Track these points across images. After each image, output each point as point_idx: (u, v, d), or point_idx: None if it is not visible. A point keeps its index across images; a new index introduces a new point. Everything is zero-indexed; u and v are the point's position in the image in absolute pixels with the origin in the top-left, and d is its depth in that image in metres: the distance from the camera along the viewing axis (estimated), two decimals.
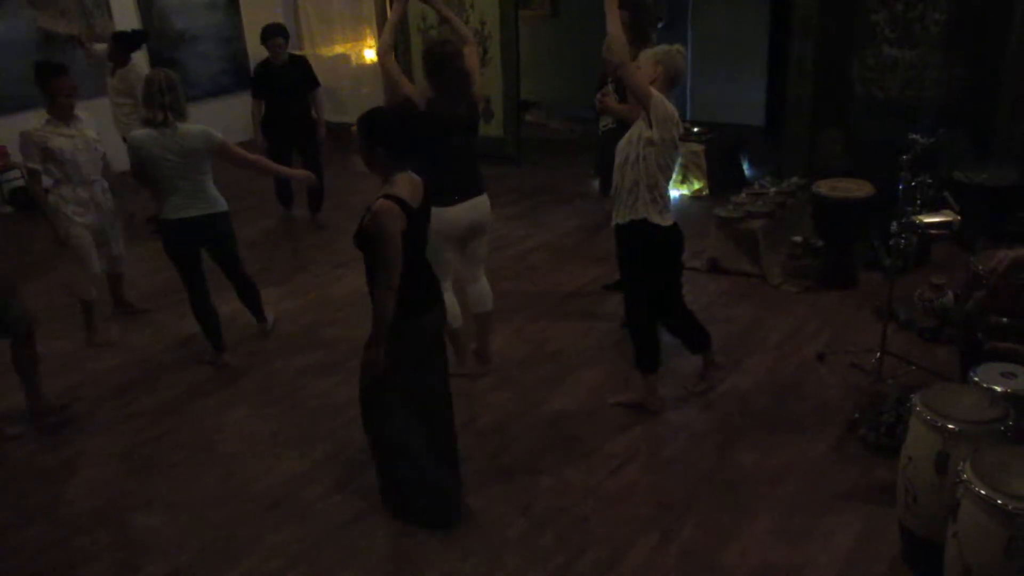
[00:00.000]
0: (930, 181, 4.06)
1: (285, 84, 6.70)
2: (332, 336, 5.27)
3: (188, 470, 3.99)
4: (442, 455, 3.57)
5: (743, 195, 6.08)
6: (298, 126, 6.81)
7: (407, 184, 3.21)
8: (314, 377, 4.80)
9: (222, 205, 4.73)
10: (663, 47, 3.86)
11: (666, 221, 3.89)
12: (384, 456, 3.48)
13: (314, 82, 6.99)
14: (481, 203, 4.32)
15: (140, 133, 4.49)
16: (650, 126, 3.72)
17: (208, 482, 3.89)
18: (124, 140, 6.82)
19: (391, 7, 8.79)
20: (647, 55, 3.86)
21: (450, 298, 4.45)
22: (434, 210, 4.17)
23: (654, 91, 3.72)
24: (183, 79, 4.73)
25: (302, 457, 4.04)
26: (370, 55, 9.31)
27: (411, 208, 3.15)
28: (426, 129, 4.07)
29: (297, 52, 9.46)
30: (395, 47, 4.29)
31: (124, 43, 6.72)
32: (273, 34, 6.73)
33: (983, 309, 3.56)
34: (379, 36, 8.94)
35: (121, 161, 7.15)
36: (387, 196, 3.11)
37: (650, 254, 3.97)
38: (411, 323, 3.26)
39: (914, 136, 4.08)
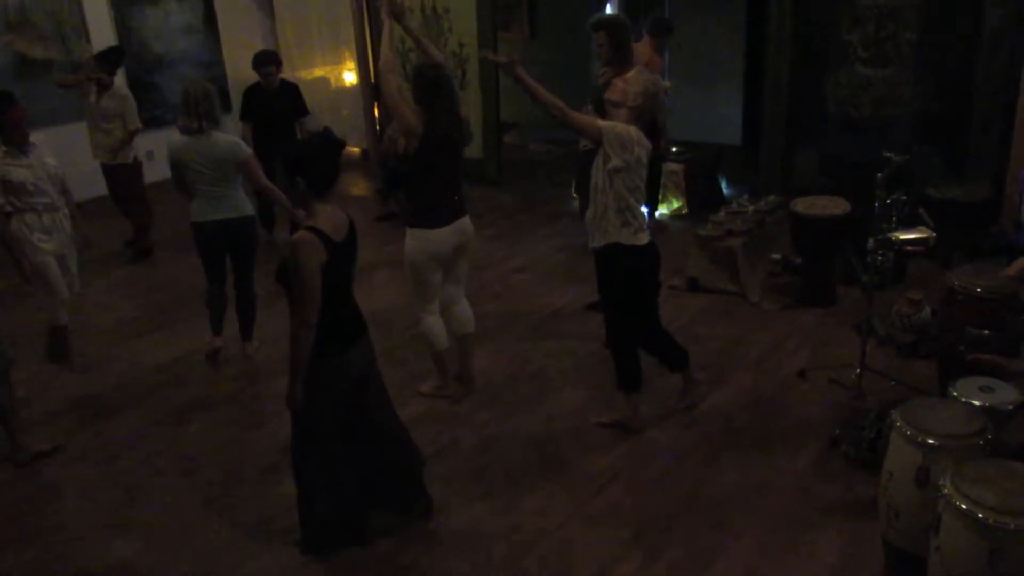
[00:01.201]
0: (905, 198, 4.11)
1: (275, 110, 6.73)
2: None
3: (169, 496, 3.95)
4: (370, 490, 3.49)
5: (722, 214, 6.13)
6: (285, 151, 6.81)
7: (329, 217, 3.13)
8: None
9: (246, 210, 4.97)
10: (654, 82, 3.90)
11: (640, 240, 3.92)
12: (305, 490, 3.37)
13: (303, 109, 7.07)
14: (466, 224, 4.35)
15: (177, 140, 4.78)
16: (610, 157, 3.78)
17: (189, 509, 3.85)
18: (107, 167, 6.82)
19: (370, 30, 8.85)
20: (640, 79, 3.87)
21: (436, 320, 4.46)
22: (423, 232, 4.22)
23: (601, 123, 3.82)
24: (161, 103, 4.77)
25: (284, 483, 3.99)
26: (350, 78, 9.33)
27: (333, 241, 3.07)
28: (428, 152, 4.09)
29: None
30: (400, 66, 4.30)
31: (109, 61, 6.71)
32: (266, 62, 6.78)
33: (961, 322, 3.61)
34: (358, 59, 8.98)
35: (91, 188, 7.16)
36: (308, 228, 3.05)
37: (627, 275, 3.99)
38: (331, 362, 3.16)
39: (888, 154, 4.14)
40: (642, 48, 6.66)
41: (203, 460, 4.22)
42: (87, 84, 6.61)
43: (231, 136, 4.97)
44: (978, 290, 3.93)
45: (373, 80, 9.10)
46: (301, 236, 3.02)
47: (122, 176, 6.86)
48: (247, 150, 4.90)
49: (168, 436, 4.46)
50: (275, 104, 6.77)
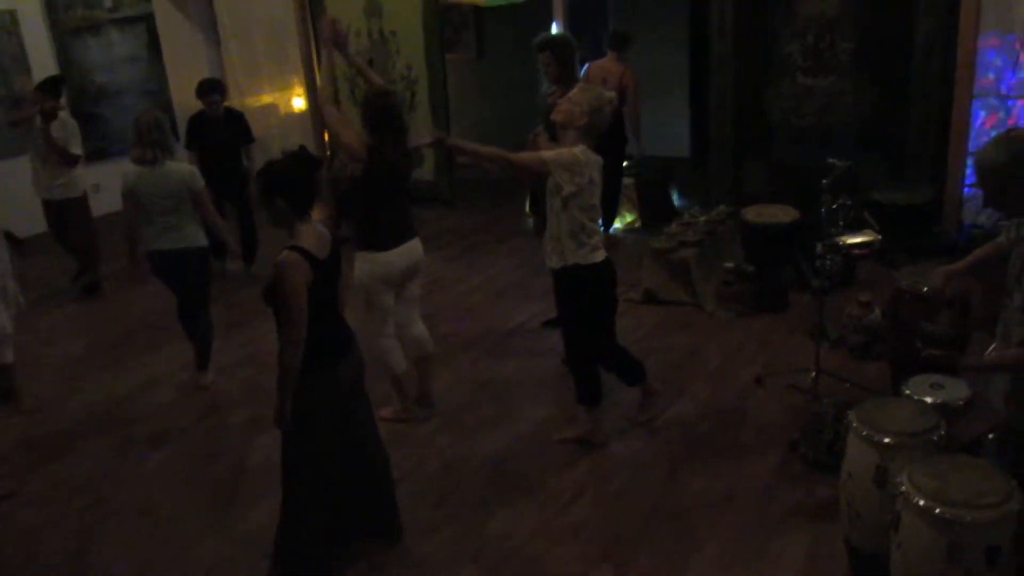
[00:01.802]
0: (850, 203, 4.20)
1: (220, 138, 6.67)
2: (269, 389, 5.13)
3: (127, 536, 3.85)
4: (362, 501, 3.50)
5: (674, 226, 6.20)
6: (231, 179, 6.74)
7: (312, 235, 3.13)
8: (255, 432, 4.69)
9: (197, 242, 4.96)
10: (597, 93, 3.91)
11: (596, 258, 3.94)
12: (294, 511, 3.32)
13: (249, 137, 7.04)
14: (416, 246, 4.35)
15: (131, 170, 4.80)
16: (562, 186, 3.79)
17: (145, 549, 3.75)
18: (53, 202, 6.61)
19: (317, 55, 8.82)
20: (583, 98, 3.86)
21: (393, 343, 4.44)
22: (373, 255, 4.21)
23: (546, 156, 3.83)
24: (105, 134, 4.75)
25: (244, 518, 3.93)
26: (299, 104, 9.28)
27: (317, 259, 3.08)
28: (375, 177, 4.09)
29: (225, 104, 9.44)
30: (335, 95, 4.28)
31: (53, 90, 6.48)
32: (210, 91, 6.73)
33: (915, 323, 3.69)
34: (306, 85, 8.95)
35: (30, 225, 6.99)
36: (292, 248, 3.05)
37: (583, 293, 4.02)
38: (325, 375, 3.19)
39: (832, 160, 4.23)
40: (608, 64, 6.75)
41: (159, 497, 4.13)
42: (35, 116, 6.46)
43: (186, 165, 5.04)
44: (924, 290, 4.02)
45: None
46: (287, 257, 3.01)
47: (70, 210, 6.66)
48: (201, 181, 4.92)
49: (122, 474, 4.36)
50: (220, 132, 6.72)
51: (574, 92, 3.93)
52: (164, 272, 5.00)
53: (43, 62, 8.44)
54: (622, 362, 4.34)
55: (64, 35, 8.70)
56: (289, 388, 3.09)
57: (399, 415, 4.63)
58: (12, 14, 8.25)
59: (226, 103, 9.56)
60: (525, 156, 3.99)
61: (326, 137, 9.18)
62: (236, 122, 6.97)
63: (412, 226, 4.34)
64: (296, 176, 3.13)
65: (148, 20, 9.40)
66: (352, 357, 3.36)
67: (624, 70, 6.70)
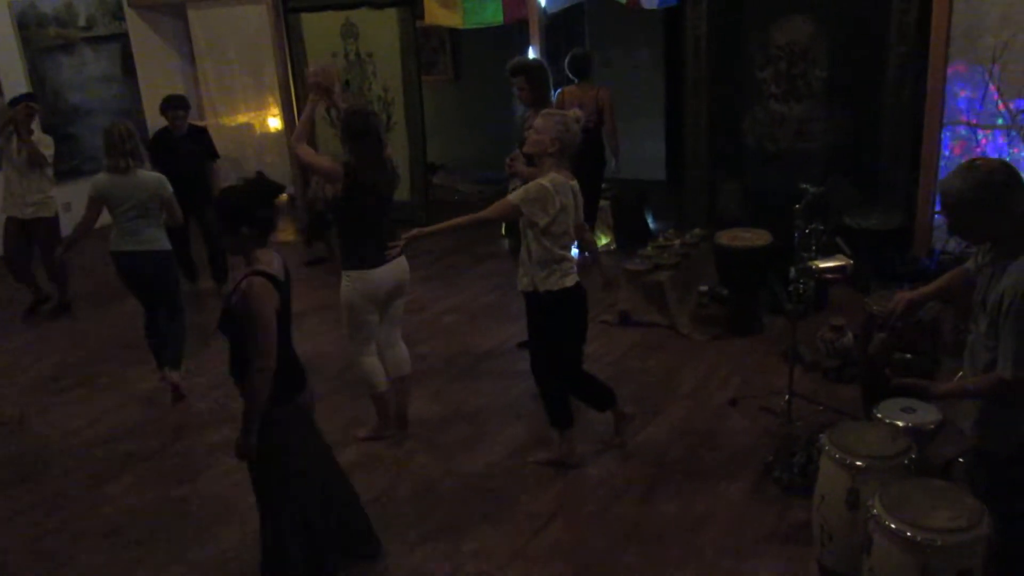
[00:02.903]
0: (823, 228, 4.25)
1: (184, 154, 6.60)
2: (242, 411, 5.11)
3: (94, 560, 3.78)
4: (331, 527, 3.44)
5: (649, 248, 6.24)
6: (196, 196, 6.63)
7: (270, 258, 3.08)
8: (227, 452, 4.62)
9: (160, 245, 5.09)
10: (560, 117, 3.92)
11: (565, 284, 3.94)
12: (277, 539, 3.26)
13: (213, 153, 7.00)
14: (401, 264, 4.33)
15: (103, 178, 4.95)
16: (535, 221, 3.80)
17: (115, 572, 3.69)
18: (23, 221, 6.46)
19: (293, 76, 8.83)
20: (548, 125, 3.87)
21: (376, 362, 4.42)
22: (359, 273, 4.21)
23: (513, 199, 3.83)
24: (78, 153, 4.76)
25: (216, 540, 3.88)
26: (274, 123, 9.27)
27: (280, 282, 3.05)
28: (355, 196, 4.09)
29: (199, 123, 9.39)
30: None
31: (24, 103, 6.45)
32: (173, 107, 6.67)
33: (886, 348, 3.73)
34: (282, 104, 8.93)
35: None
36: (256, 273, 2.98)
37: (550, 318, 4.02)
38: (291, 406, 3.15)
39: (805, 186, 4.28)
40: (580, 90, 6.78)
41: (126, 521, 4.06)
42: (8, 129, 6.35)
43: (156, 174, 5.15)
44: (874, 309, 4.07)
45: None
46: (254, 282, 2.95)
47: (43, 230, 6.53)
48: (170, 188, 5.10)
49: (91, 498, 4.29)
50: (183, 148, 6.64)
51: (538, 121, 3.93)
52: (128, 273, 5.08)
53: (15, 81, 8.37)
54: (589, 389, 4.35)
55: (37, 54, 8.64)
56: (256, 422, 3.02)
57: (377, 433, 4.61)
58: None
59: (203, 123, 9.56)
60: (495, 208, 3.94)
61: None
62: (199, 138, 6.91)
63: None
64: (260, 203, 3.08)
65: (122, 39, 9.37)
66: (309, 384, 3.32)
67: (599, 91, 6.76)
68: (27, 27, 8.54)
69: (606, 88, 6.95)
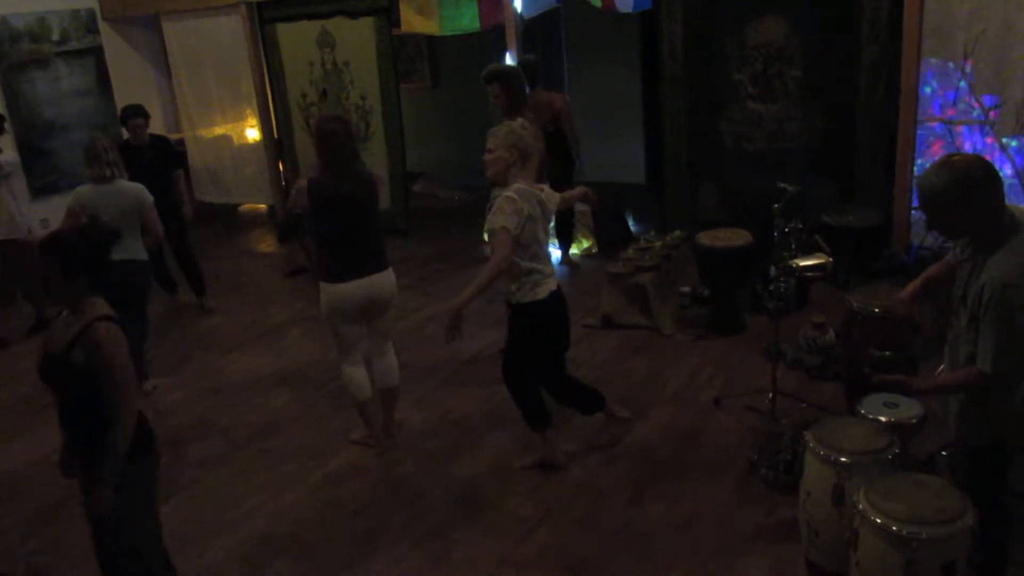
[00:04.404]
0: (801, 226, 4.28)
1: (147, 164, 6.40)
2: (227, 424, 5.09)
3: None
4: None
5: (631, 250, 6.24)
6: (162, 206, 6.46)
7: (102, 302, 2.86)
8: (211, 466, 4.61)
9: (137, 255, 5.17)
10: (506, 129, 3.92)
11: (538, 295, 3.91)
12: None
13: (176, 162, 6.95)
14: (379, 280, 4.27)
15: (86, 188, 5.09)
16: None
17: None
18: None
19: (270, 86, 8.80)
20: (498, 141, 3.86)
21: (356, 371, 4.41)
22: (329, 286, 4.20)
23: (498, 225, 3.74)
24: (54, 169, 4.74)
25: (200, 555, 3.85)
26: (252, 134, 9.23)
27: (123, 328, 2.86)
28: (320, 207, 4.09)
29: (176, 135, 9.34)
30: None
31: None
32: (133, 115, 6.60)
33: (865, 344, 3.77)
34: (260, 115, 8.90)
35: None
36: (101, 318, 2.77)
37: (525, 329, 4.03)
38: (149, 460, 2.96)
39: (783, 185, 4.31)
40: (539, 96, 6.77)
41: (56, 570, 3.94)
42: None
43: (136, 184, 5.23)
44: (876, 310, 4.10)
45: (276, 136, 9.03)
46: (105, 328, 2.75)
47: (14, 252, 6.33)
48: (151, 197, 5.22)
49: (72, 514, 4.23)
50: (145, 157, 6.46)
51: (489, 143, 3.90)
52: (108, 282, 5.03)
53: None
54: (573, 394, 4.36)
55: (10, 69, 8.54)
56: (118, 474, 2.79)
57: (364, 440, 4.63)
58: None
59: (179, 135, 9.51)
60: (500, 248, 3.77)
61: (281, 168, 9.14)
62: (162, 147, 6.81)
63: (378, 259, 4.27)
64: (100, 251, 2.90)
65: (96, 53, 9.28)
66: (156, 443, 3.08)
67: (552, 96, 6.78)
68: (0, 42, 8.45)
69: (560, 94, 6.98)
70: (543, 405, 4.20)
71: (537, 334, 4.04)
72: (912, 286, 3.16)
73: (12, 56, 8.55)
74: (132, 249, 5.11)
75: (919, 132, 6.02)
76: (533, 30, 7.77)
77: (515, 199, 3.79)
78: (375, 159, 8.02)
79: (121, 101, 9.36)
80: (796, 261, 4.25)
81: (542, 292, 3.92)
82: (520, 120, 4.02)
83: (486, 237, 3.92)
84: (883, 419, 3.38)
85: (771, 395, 4.46)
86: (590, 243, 7.56)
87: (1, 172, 6.04)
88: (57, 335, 2.85)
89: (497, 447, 4.53)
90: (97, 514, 2.84)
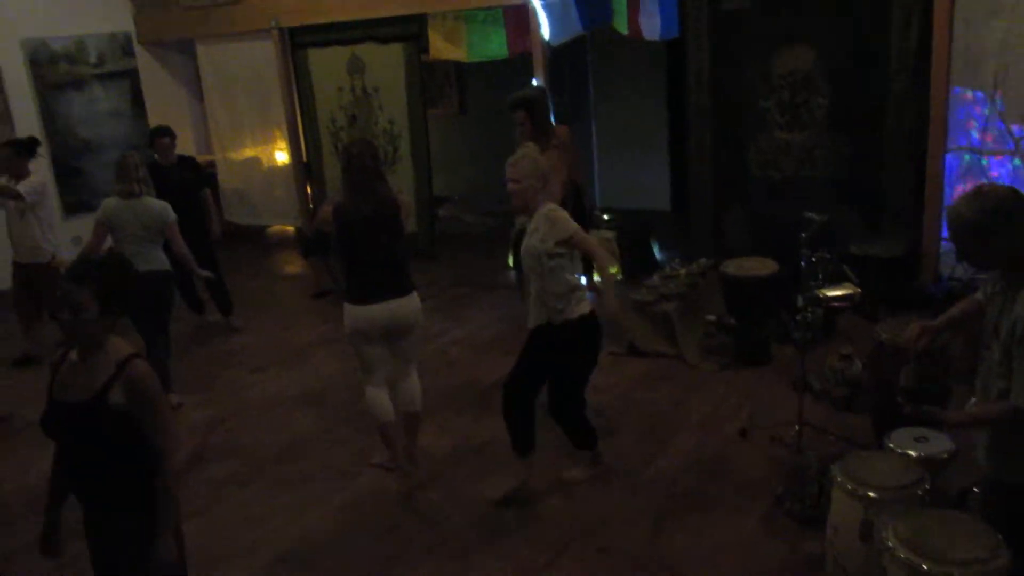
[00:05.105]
0: (828, 256, 4.24)
1: (175, 184, 6.48)
2: (250, 443, 5.11)
3: None
4: None
5: (655, 278, 6.23)
6: (190, 225, 6.48)
7: (122, 340, 2.68)
8: (233, 486, 4.63)
9: (160, 265, 5.37)
10: (528, 160, 3.93)
11: (584, 310, 3.99)
12: None
13: (204, 182, 7.07)
14: (402, 304, 4.27)
15: (113, 202, 5.31)
16: (562, 242, 3.86)
17: None
18: (21, 266, 6.25)
19: (301, 112, 8.91)
20: (523, 172, 3.89)
21: (377, 393, 4.40)
22: (351, 308, 4.22)
23: (574, 229, 3.88)
24: (87, 188, 4.82)
25: (226, 573, 3.85)
26: (281, 157, 9.33)
27: None
28: (344, 229, 4.13)
29: (207, 157, 9.48)
30: None
31: (24, 150, 6.23)
32: (160, 135, 6.74)
33: (919, 377, 3.72)
34: (289, 139, 9.00)
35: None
36: (135, 355, 2.61)
37: (572, 344, 4.03)
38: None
39: (810, 214, 4.28)
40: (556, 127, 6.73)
41: None
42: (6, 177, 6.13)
43: (161, 201, 5.42)
44: (884, 338, 4.05)
45: (305, 159, 9.12)
46: (143, 364, 2.60)
47: (40, 275, 6.20)
48: (174, 215, 5.41)
49: None
50: (173, 178, 6.56)
51: (512, 173, 3.91)
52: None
53: (26, 117, 8.46)
54: (581, 423, 4.35)
55: (48, 90, 8.74)
56: (174, 516, 2.67)
57: (386, 463, 4.63)
58: None
59: (210, 157, 9.64)
60: (594, 245, 4.05)
61: (309, 190, 9.23)
62: (189, 167, 6.92)
63: (401, 283, 4.28)
64: (126, 282, 2.69)
65: (132, 75, 9.48)
66: None
67: (556, 128, 6.74)
68: (39, 64, 8.64)
69: (563, 126, 6.94)
70: (534, 429, 4.20)
71: (582, 349, 4.07)
72: (936, 321, 3.11)
73: (51, 77, 8.75)
74: (154, 260, 5.32)
75: (948, 162, 5.97)
76: (560, 57, 7.82)
77: (561, 210, 3.91)
78: (402, 183, 8.08)
79: (154, 123, 9.52)
80: (823, 291, 4.22)
81: (586, 307, 3.99)
82: (531, 145, 4.05)
83: (510, 263, 3.95)
84: (913, 453, 3.32)
85: (797, 427, 4.41)
86: (615, 270, 7.54)
87: (26, 202, 6.01)
88: (74, 382, 2.59)
89: (519, 474, 4.50)
90: (163, 562, 2.63)
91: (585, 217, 6.43)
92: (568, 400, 4.21)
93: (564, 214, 3.93)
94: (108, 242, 5.35)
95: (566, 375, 4.14)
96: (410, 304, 4.32)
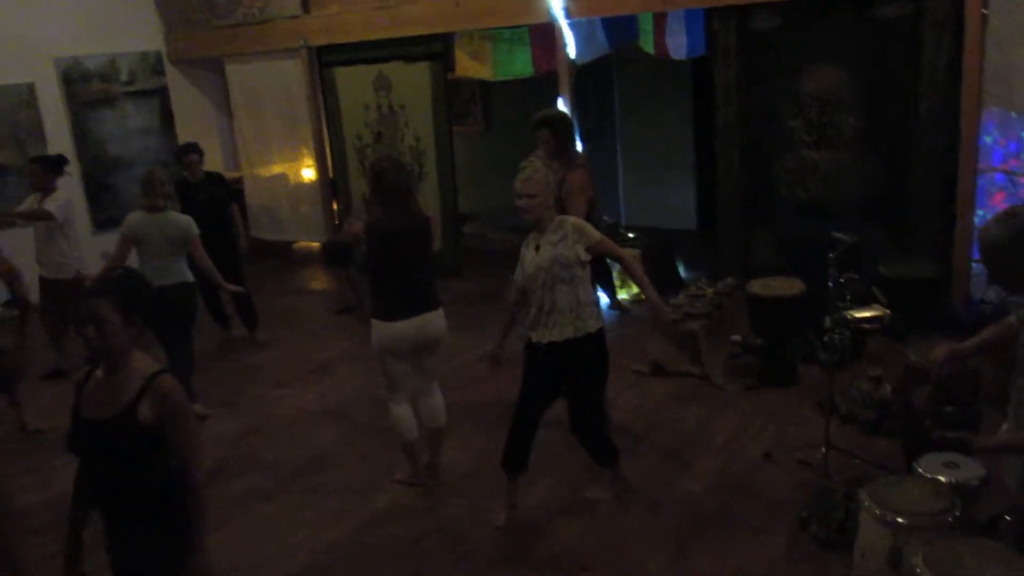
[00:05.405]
0: (857, 277, 4.19)
1: (203, 201, 6.59)
2: (274, 457, 5.13)
3: None
4: None
5: (681, 297, 6.19)
6: (218, 240, 6.45)
7: (146, 356, 2.69)
8: (257, 499, 4.64)
9: (184, 277, 5.44)
10: (540, 175, 3.95)
11: (601, 322, 4.05)
12: None
13: (232, 198, 7.15)
14: (430, 319, 4.30)
15: (138, 216, 5.38)
16: (590, 248, 3.91)
17: None
18: (47, 281, 6.20)
19: (327, 127, 8.99)
20: (538, 187, 3.91)
21: (403, 410, 4.42)
22: (380, 324, 4.24)
23: (599, 236, 3.99)
24: (117, 204, 4.90)
25: None
26: (308, 174, 9.42)
27: None
28: (375, 245, 4.15)
29: (235, 173, 9.58)
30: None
31: (52, 167, 6.27)
32: (187, 151, 6.84)
33: (933, 401, 3.66)
34: (316, 156, 9.08)
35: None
36: (161, 371, 2.61)
37: (598, 356, 4.05)
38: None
39: (838, 234, 4.24)
40: None
41: None
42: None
43: (185, 216, 5.50)
44: (913, 360, 3.99)
45: (331, 176, 9.19)
46: (170, 379, 2.60)
47: (65, 291, 6.15)
48: (196, 229, 5.48)
49: None
50: (201, 194, 6.65)
51: (526, 188, 3.91)
52: (155, 306, 5.18)
53: (59, 133, 8.62)
54: (602, 437, 4.30)
55: (80, 107, 8.89)
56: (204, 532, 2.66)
57: (409, 479, 4.62)
58: (31, 87, 8.46)
59: (238, 173, 9.74)
60: (622, 251, 4.19)
61: (335, 207, 9.29)
62: (216, 184, 6.99)
63: (430, 298, 4.31)
64: (148, 291, 2.72)
65: (161, 93, 9.63)
66: None
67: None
68: (72, 82, 8.81)
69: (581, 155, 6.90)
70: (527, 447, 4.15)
71: (605, 361, 4.10)
72: (965, 344, 3.05)
73: (83, 95, 8.92)
74: (177, 273, 5.39)
75: (980, 183, 5.89)
76: (585, 76, 7.83)
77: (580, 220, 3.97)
78: (427, 200, 8.11)
79: (183, 139, 9.66)
80: (852, 312, 4.16)
81: (601, 318, 4.05)
82: (536, 159, 4.08)
83: (517, 278, 3.99)
84: (943, 479, 3.25)
85: (824, 450, 4.35)
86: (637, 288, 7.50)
87: (56, 221, 6.04)
88: (101, 399, 2.58)
89: (542, 491, 4.48)
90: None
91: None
92: (592, 415, 4.17)
93: (586, 222, 4.01)
94: (134, 255, 5.41)
95: (592, 388, 4.11)
96: (437, 320, 4.34)
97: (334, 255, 7.99)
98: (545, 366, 4.06)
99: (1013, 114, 5.69)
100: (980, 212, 5.90)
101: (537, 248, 3.94)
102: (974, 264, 5.86)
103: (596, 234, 3.95)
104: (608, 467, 4.28)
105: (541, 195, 3.90)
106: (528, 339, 4.07)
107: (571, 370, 4.02)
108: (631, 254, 7.20)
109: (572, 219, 3.98)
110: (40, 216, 6.05)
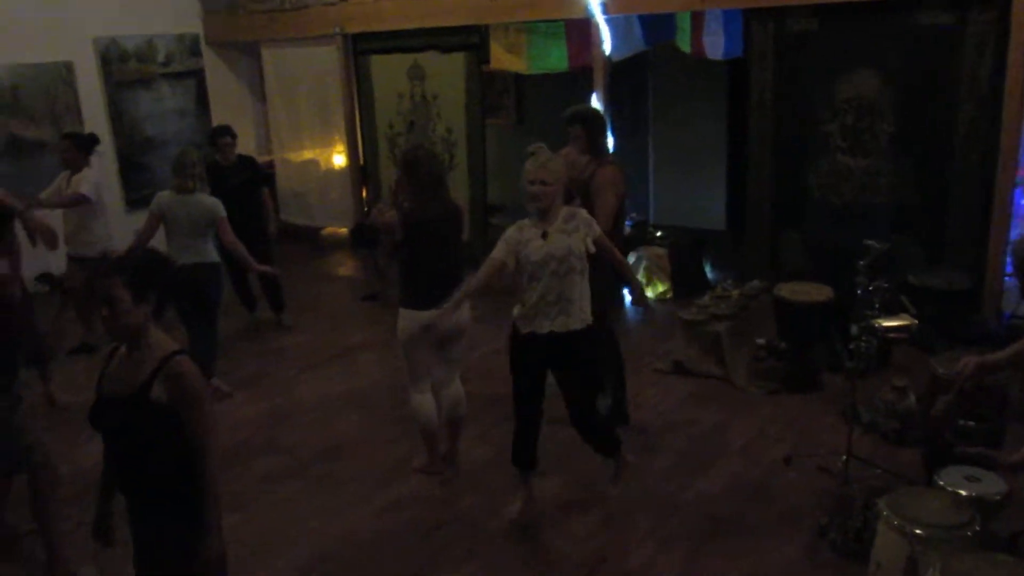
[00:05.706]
0: (886, 285, 4.15)
1: (235, 183, 6.64)
2: (295, 441, 5.18)
3: None
4: None
5: (707, 298, 6.16)
6: (248, 224, 6.47)
7: (165, 336, 2.66)
8: (276, 482, 4.68)
9: (210, 257, 5.50)
10: (556, 163, 3.99)
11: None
12: None
13: (263, 181, 7.20)
14: (460, 309, 4.30)
15: (168, 195, 5.47)
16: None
17: None
18: (75, 258, 6.23)
19: (360, 115, 9.02)
20: (555, 175, 3.94)
21: (425, 399, 4.44)
22: (410, 312, 4.25)
23: (599, 231, 4.00)
24: (151, 183, 4.97)
25: (268, 568, 3.89)
26: (339, 160, 9.46)
27: None
28: (412, 233, 4.17)
29: (267, 157, 9.66)
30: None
31: (84, 145, 6.34)
32: (221, 134, 6.89)
33: (951, 411, 3.62)
34: (347, 142, 9.12)
35: None
36: (178, 352, 2.60)
37: (603, 346, 4.10)
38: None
39: (869, 242, 4.20)
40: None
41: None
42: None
43: (213, 197, 5.56)
44: (940, 371, 3.95)
45: (362, 163, 9.24)
46: (186, 360, 2.59)
47: (89, 269, 6.08)
48: (223, 211, 5.51)
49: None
50: (233, 177, 6.70)
51: (542, 175, 3.93)
52: (181, 285, 5.28)
53: (95, 112, 8.73)
54: (602, 425, 4.33)
55: (117, 87, 9.00)
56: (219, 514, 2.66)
57: (427, 468, 4.65)
58: (69, 65, 8.56)
59: (270, 157, 9.82)
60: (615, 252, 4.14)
61: (364, 194, 9.33)
62: (249, 166, 7.04)
63: (459, 287, 4.30)
64: (167, 268, 2.71)
65: (198, 75, 9.72)
66: None
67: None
68: (109, 62, 8.91)
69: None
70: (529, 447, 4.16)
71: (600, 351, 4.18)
72: (995, 355, 3.02)
73: (120, 75, 9.02)
74: (202, 253, 5.46)
75: (1017, 195, 5.80)
76: (620, 73, 7.80)
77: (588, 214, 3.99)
78: (457, 190, 8.11)
79: (217, 121, 9.75)
80: (879, 321, 4.12)
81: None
82: (543, 146, 4.08)
83: (506, 260, 4.04)
84: (964, 493, 3.22)
85: (845, 457, 4.31)
86: (666, 287, 7.48)
87: (92, 203, 6.10)
88: (120, 376, 2.61)
89: (557, 486, 4.49)
90: (209, 561, 2.64)
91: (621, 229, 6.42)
92: (594, 405, 4.19)
93: (592, 217, 4.01)
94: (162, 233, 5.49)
95: (590, 380, 4.13)
96: (464, 309, 4.36)
97: (361, 238, 8.05)
98: (540, 358, 4.04)
99: None
100: (1016, 225, 5.81)
101: (544, 235, 3.90)
102: (1007, 278, 5.77)
103: (599, 229, 3.96)
104: (611, 456, 4.26)
105: (556, 184, 3.89)
106: (515, 333, 4.02)
107: (570, 361, 4.01)
108: (657, 253, 7.24)
109: (583, 211, 3.97)
110: (75, 202, 6.10)
